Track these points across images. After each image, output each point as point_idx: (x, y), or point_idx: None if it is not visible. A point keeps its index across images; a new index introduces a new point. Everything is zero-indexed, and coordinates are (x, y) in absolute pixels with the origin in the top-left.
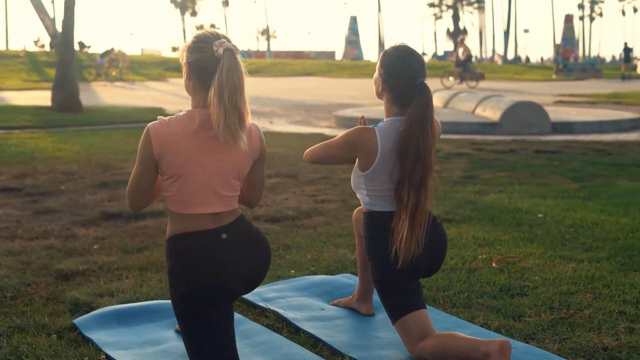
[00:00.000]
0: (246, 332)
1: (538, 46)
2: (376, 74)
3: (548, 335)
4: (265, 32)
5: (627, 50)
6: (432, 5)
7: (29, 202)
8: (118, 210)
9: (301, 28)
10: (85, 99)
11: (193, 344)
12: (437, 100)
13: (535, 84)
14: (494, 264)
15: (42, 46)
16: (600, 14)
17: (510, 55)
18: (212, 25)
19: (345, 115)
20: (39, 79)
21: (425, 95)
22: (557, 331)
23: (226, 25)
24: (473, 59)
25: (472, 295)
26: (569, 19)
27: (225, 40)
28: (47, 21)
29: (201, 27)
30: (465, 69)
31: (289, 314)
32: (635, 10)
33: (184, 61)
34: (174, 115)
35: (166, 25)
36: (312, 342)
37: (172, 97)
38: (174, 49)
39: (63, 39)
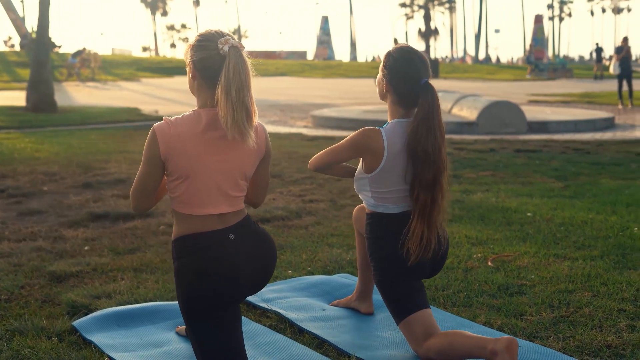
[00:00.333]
0: (249, 333)
1: (508, 46)
2: (379, 76)
3: (551, 333)
4: (237, 32)
5: (599, 51)
6: (403, 5)
7: (12, 204)
8: (104, 211)
9: (272, 28)
10: (59, 99)
11: (202, 346)
12: None
13: (508, 83)
14: (489, 263)
15: (12, 46)
16: (569, 15)
17: (482, 55)
18: (183, 26)
19: (322, 115)
20: (10, 79)
21: (431, 95)
22: (559, 329)
23: (197, 25)
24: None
25: (472, 294)
26: (538, 19)
27: (230, 37)
28: (18, 21)
29: (172, 27)
30: None
31: (290, 315)
32: (603, 10)
33: (189, 60)
34: (179, 115)
35: (136, 25)
36: (317, 343)
37: (146, 97)
38: (145, 49)
39: (38, 39)
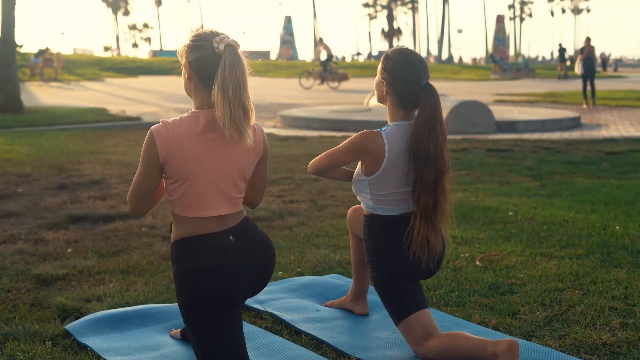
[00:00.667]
0: (246, 334)
1: (471, 46)
2: (378, 78)
3: (546, 332)
4: None
5: (562, 51)
6: (366, 5)
7: None
8: (84, 213)
9: (235, 28)
10: (23, 100)
11: (204, 349)
12: None
13: (472, 83)
14: (477, 262)
15: None
16: (530, 15)
17: (445, 55)
18: (145, 25)
19: (290, 115)
20: None
21: (432, 96)
22: (554, 328)
23: (159, 25)
24: (334, 59)
25: (464, 294)
26: (500, 19)
27: (225, 36)
28: None
29: (134, 26)
30: (326, 69)
31: (286, 316)
32: (563, 11)
33: (184, 61)
34: (178, 117)
35: (97, 25)
36: (315, 344)
37: (111, 97)
38: (106, 49)
39: (3, 39)
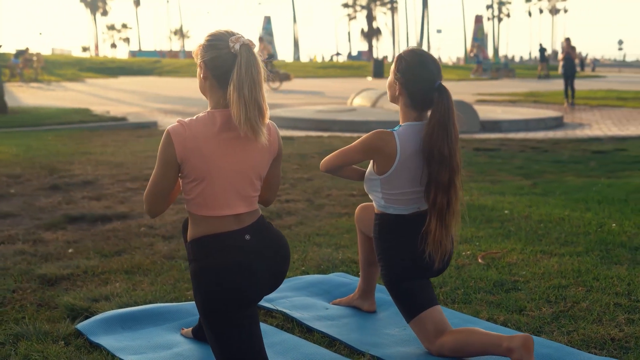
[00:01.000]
0: None
1: (450, 46)
2: (391, 79)
3: (554, 328)
4: (179, 32)
5: (542, 51)
6: (346, 5)
7: None
8: (80, 214)
9: (215, 28)
10: (6, 100)
11: (221, 347)
12: (364, 100)
13: (453, 83)
14: (480, 260)
15: None
16: (508, 15)
17: None
18: (124, 25)
19: (276, 115)
20: None
21: (446, 97)
22: (561, 324)
23: (138, 25)
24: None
25: (469, 291)
26: (478, 19)
27: (240, 36)
28: None
29: (112, 26)
30: (267, 69)
31: (296, 314)
32: (541, 11)
33: (199, 61)
34: (193, 117)
35: (76, 25)
36: (328, 342)
37: (93, 97)
38: (85, 49)
39: None
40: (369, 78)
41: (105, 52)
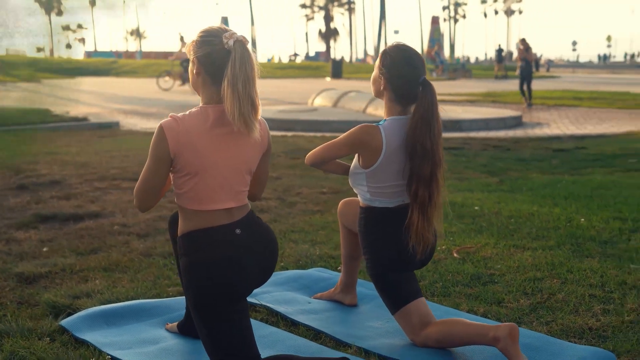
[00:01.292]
0: None
1: None
2: (376, 73)
3: (533, 318)
4: (135, 33)
5: (500, 52)
6: (304, 6)
7: None
8: (51, 213)
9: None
10: None
11: (214, 341)
12: (325, 100)
13: None
14: (455, 254)
15: None
16: (464, 16)
17: None
18: (80, 26)
19: None
20: None
21: (430, 92)
22: (539, 315)
23: (94, 25)
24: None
25: (447, 284)
26: (435, 20)
27: (234, 32)
28: None
29: (67, 27)
30: (187, 70)
31: (280, 308)
32: (496, 12)
33: (193, 57)
34: (186, 112)
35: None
36: (313, 334)
37: (51, 98)
38: (39, 50)
39: None
40: (328, 78)
41: (60, 52)
